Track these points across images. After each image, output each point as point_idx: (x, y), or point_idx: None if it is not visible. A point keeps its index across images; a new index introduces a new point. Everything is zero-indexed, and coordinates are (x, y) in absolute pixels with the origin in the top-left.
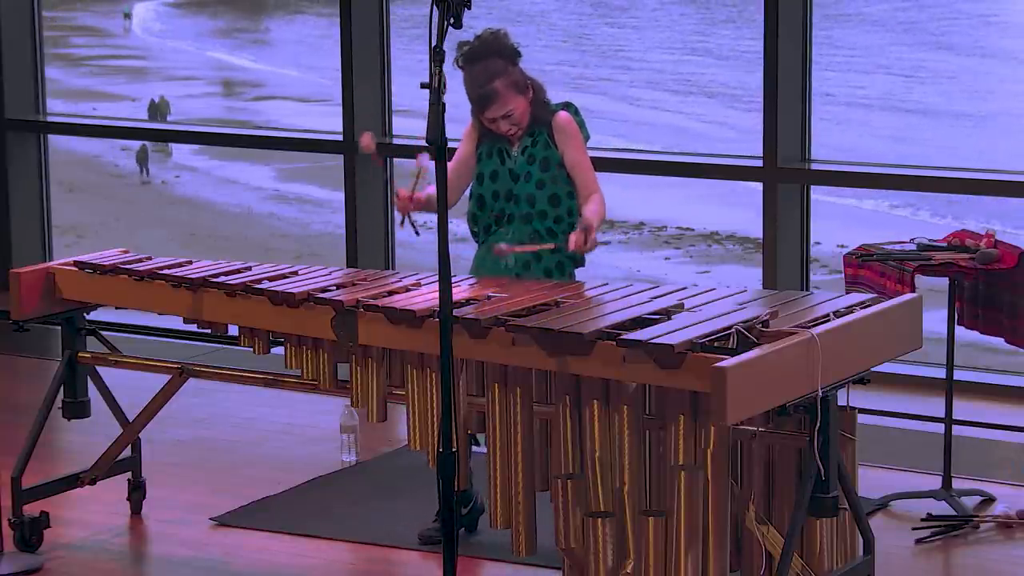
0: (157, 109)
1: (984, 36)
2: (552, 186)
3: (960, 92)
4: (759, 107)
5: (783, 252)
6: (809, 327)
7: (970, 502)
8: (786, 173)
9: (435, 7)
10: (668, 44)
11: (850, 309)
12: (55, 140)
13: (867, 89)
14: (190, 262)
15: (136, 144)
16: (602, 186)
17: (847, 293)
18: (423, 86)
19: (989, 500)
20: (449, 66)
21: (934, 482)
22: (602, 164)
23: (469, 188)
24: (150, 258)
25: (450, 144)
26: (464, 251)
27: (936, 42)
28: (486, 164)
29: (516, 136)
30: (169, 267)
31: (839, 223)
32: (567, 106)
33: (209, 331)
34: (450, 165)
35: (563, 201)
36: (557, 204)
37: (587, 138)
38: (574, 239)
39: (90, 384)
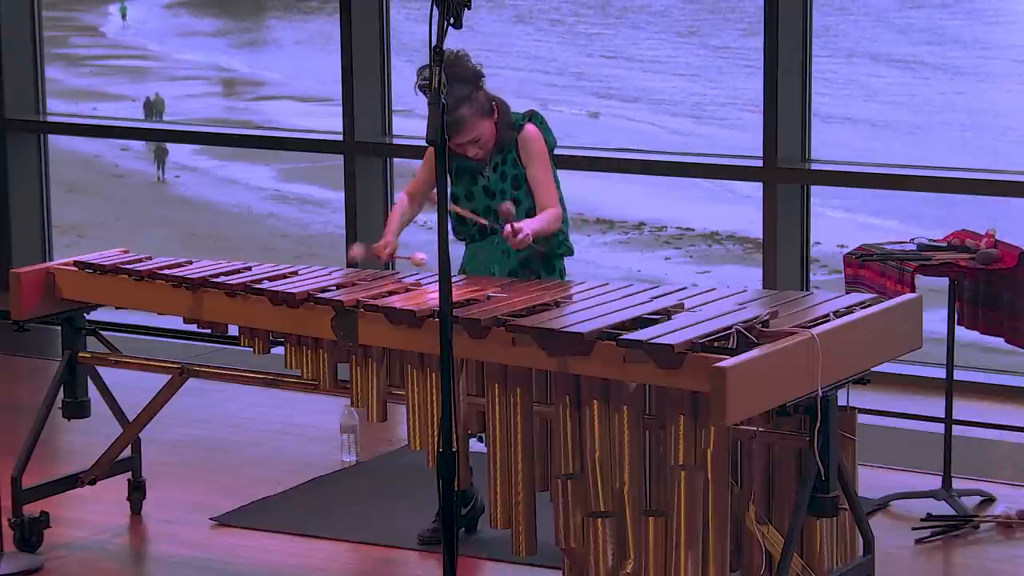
0: (153, 107)
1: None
2: (527, 200)
3: (915, 104)
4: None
5: (783, 252)
6: (809, 327)
7: (970, 502)
8: (786, 173)
9: (435, 7)
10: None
11: (850, 309)
12: (55, 140)
13: (841, 98)
14: (190, 262)
15: (137, 144)
16: (601, 185)
17: (847, 293)
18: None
19: (989, 500)
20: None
21: (934, 482)
22: (603, 164)
23: None
24: (150, 258)
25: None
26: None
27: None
28: (459, 186)
29: (482, 159)
30: (169, 267)
31: (839, 223)
32: (532, 116)
33: (209, 331)
34: (416, 186)
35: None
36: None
37: (554, 144)
38: (507, 229)
39: (90, 384)
